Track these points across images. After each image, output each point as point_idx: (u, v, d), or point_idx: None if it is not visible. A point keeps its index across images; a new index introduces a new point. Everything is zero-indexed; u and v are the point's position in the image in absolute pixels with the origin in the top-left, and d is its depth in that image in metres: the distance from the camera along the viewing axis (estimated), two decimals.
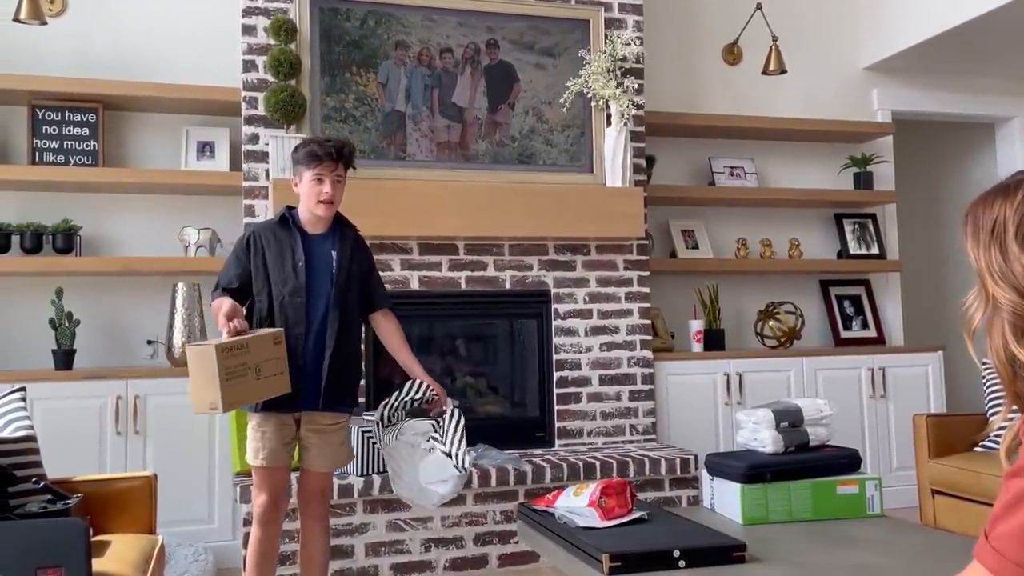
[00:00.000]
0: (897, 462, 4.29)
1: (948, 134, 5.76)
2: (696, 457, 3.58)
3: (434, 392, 2.57)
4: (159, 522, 2.56)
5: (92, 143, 3.66)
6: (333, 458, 2.55)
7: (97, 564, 1.97)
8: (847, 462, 2.50)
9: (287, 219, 2.54)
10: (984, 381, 3.62)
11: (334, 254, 2.54)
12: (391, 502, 3.26)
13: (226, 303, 2.37)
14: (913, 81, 4.93)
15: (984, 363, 3.67)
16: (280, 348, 2.33)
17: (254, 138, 3.57)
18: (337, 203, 2.54)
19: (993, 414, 3.47)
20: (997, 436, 3.42)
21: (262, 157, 3.55)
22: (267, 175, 3.53)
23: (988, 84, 5.06)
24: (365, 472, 3.26)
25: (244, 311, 2.43)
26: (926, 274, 5.72)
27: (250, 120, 3.58)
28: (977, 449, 3.45)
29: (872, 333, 4.66)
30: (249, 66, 3.60)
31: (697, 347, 4.23)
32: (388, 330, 2.68)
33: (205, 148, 3.80)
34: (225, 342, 2.22)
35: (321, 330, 2.48)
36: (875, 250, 4.72)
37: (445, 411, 2.57)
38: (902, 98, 4.92)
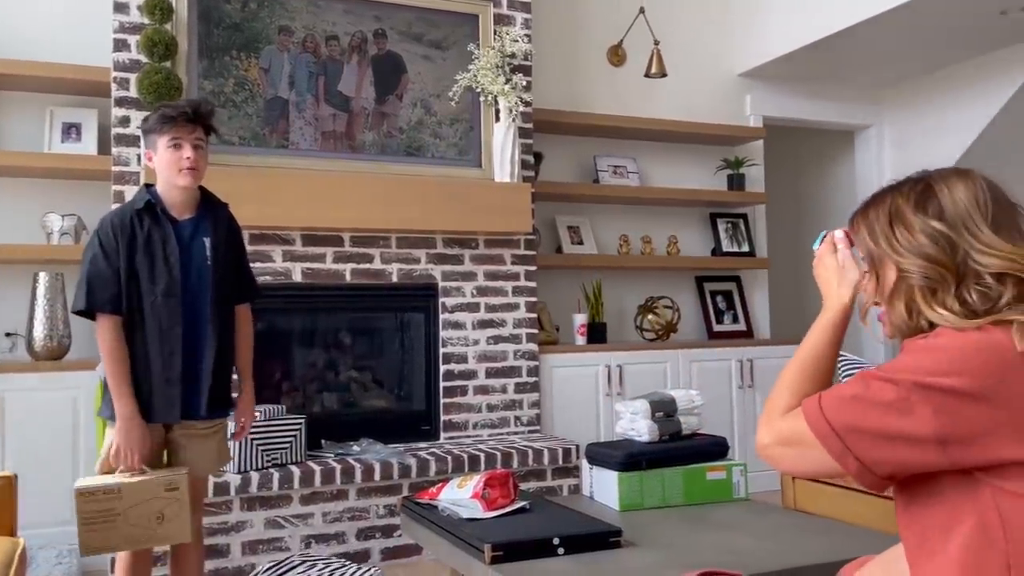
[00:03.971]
0: None
1: (812, 139, 6.12)
2: (578, 447, 3.67)
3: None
4: (21, 524, 2.41)
5: None
6: (211, 463, 2.39)
7: None
8: (716, 449, 2.63)
9: (153, 205, 2.26)
10: (839, 372, 3.88)
11: (207, 241, 2.30)
12: (270, 499, 3.19)
13: (143, 434, 2.16)
14: (783, 88, 5.22)
15: (841, 355, 3.94)
16: (176, 494, 2.15)
17: (125, 121, 3.40)
18: (201, 171, 2.26)
19: None
20: None
21: (133, 141, 3.38)
22: (139, 160, 3.36)
23: (849, 94, 5.42)
24: (242, 469, 3.18)
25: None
26: (790, 271, 6.07)
27: (121, 102, 3.40)
28: None
29: (742, 327, 4.92)
30: (121, 45, 3.42)
31: (581, 340, 4.35)
32: (244, 330, 2.46)
33: (71, 130, 3.59)
34: (91, 486, 2.10)
35: (199, 330, 2.27)
36: (746, 248, 4.98)
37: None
38: (772, 104, 5.19)
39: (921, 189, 1.16)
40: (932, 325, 1.11)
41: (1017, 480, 1.02)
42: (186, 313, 2.25)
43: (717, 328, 4.85)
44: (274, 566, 2.84)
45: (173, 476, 2.18)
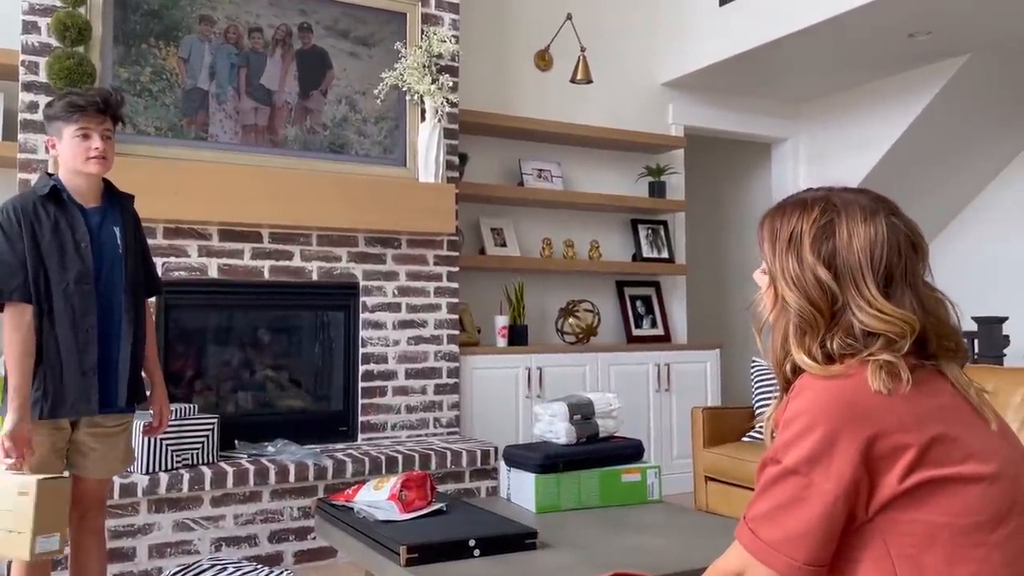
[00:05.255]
0: (678, 451, 4.66)
1: (731, 150, 6.31)
2: (496, 449, 3.69)
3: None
4: None
5: None
6: (118, 463, 2.31)
7: None
8: (632, 452, 2.68)
9: (58, 191, 2.18)
10: (752, 377, 4.01)
11: (117, 231, 2.25)
12: (179, 500, 3.10)
13: (28, 426, 2.04)
14: (704, 99, 5.36)
15: (754, 361, 4.07)
16: (24, 501, 1.94)
17: (33, 106, 3.25)
18: (110, 162, 2.21)
19: (761, 405, 3.86)
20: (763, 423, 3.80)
21: (41, 128, 3.21)
22: (47, 148, 3.22)
23: (767, 107, 5.60)
24: (151, 470, 3.08)
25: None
26: (707, 278, 6.24)
27: (29, 87, 3.26)
28: (744, 439, 3.83)
29: (660, 331, 5.02)
30: (30, 27, 3.27)
31: (502, 342, 4.37)
32: (148, 323, 2.40)
33: None
34: None
35: (114, 320, 2.22)
36: (665, 254, 5.09)
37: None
38: (694, 114, 5.32)
39: (824, 223, 1.14)
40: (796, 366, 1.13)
41: (907, 524, 1.04)
42: (100, 302, 2.20)
43: (636, 332, 4.95)
44: (182, 570, 2.76)
45: (26, 479, 2.00)
